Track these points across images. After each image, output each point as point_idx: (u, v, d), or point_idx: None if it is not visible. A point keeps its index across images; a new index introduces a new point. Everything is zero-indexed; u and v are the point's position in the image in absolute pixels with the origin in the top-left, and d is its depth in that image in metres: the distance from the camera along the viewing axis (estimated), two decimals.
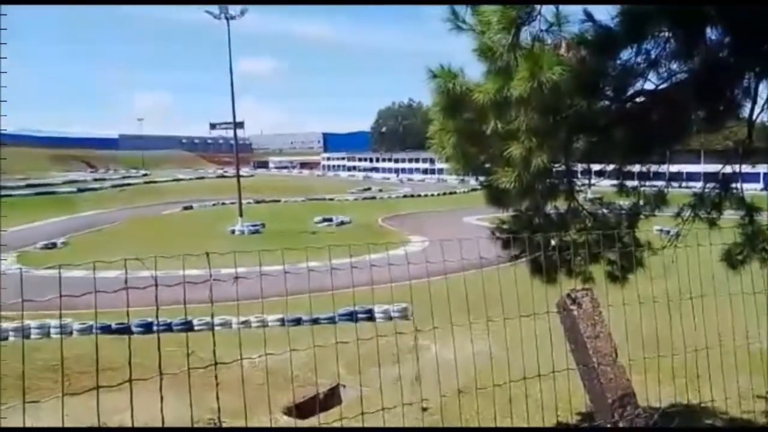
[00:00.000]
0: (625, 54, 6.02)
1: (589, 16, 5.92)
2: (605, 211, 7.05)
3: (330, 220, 55.05)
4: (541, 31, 5.35)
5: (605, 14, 5.87)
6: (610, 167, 6.95)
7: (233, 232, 50.57)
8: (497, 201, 6.41)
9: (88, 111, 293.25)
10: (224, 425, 4.29)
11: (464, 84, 5.54)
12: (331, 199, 79.09)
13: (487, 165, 6.10)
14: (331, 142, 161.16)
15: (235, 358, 3.84)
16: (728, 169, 6.93)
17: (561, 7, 5.29)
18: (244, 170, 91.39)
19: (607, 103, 6.39)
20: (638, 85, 6.27)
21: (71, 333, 19.70)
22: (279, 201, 76.71)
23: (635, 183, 7.10)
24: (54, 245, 43.39)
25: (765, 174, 45.24)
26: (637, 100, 6.42)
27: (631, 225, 6.80)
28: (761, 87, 6.23)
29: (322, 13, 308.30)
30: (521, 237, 6.28)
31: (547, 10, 5.28)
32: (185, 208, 70.66)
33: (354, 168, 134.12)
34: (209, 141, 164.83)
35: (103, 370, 3.16)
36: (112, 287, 3.24)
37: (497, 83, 5.26)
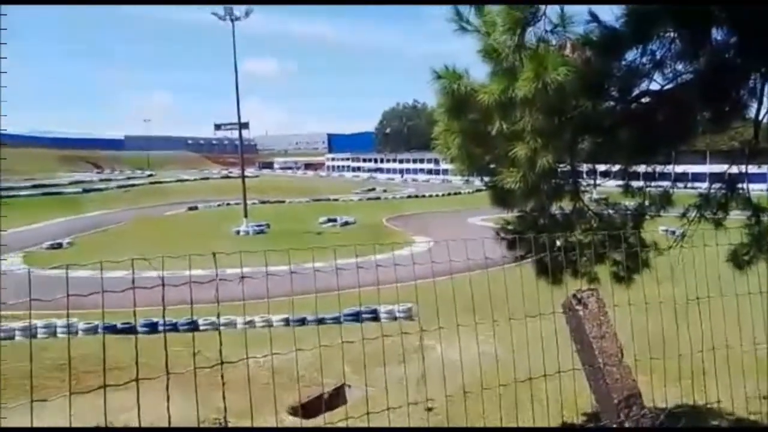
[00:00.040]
0: (631, 55, 6.02)
1: (594, 17, 5.92)
2: (611, 211, 7.03)
3: (334, 220, 55.08)
4: (546, 31, 5.35)
5: (610, 15, 5.87)
6: (616, 168, 6.94)
7: (238, 232, 50.66)
8: (502, 201, 6.41)
9: (94, 112, 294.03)
10: (230, 425, 4.31)
11: (469, 85, 5.54)
12: (336, 200, 79.15)
13: (492, 166, 6.10)
14: (336, 142, 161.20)
15: (240, 358, 3.85)
16: (734, 169, 6.92)
17: (566, 7, 5.29)
18: (249, 171, 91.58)
19: (612, 103, 6.38)
20: (643, 86, 6.26)
21: (77, 333, 19.78)
22: (283, 202, 76.79)
23: (641, 183, 7.08)
24: (60, 245, 43.54)
25: None
26: (643, 100, 6.41)
27: (636, 225, 6.78)
28: (767, 87, 6.21)
29: (326, 13, 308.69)
30: (526, 237, 6.27)
31: (552, 11, 5.28)
32: (190, 209, 70.84)
33: (358, 169, 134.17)
34: (214, 142, 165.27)
35: (110, 370, 3.17)
36: (118, 287, 3.25)
37: (502, 84, 5.27)
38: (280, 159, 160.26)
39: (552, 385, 4.36)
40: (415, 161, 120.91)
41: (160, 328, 17.22)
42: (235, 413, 3.86)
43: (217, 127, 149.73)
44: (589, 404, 4.65)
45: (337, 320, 16.21)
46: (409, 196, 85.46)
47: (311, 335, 4.84)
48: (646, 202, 7.00)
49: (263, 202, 71.29)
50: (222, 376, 3.33)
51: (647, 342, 4.61)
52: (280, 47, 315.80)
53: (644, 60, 6.01)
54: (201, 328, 18.64)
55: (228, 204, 70.19)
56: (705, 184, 7.32)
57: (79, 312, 17.71)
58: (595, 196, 7.26)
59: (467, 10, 5.69)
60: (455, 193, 75.62)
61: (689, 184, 7.99)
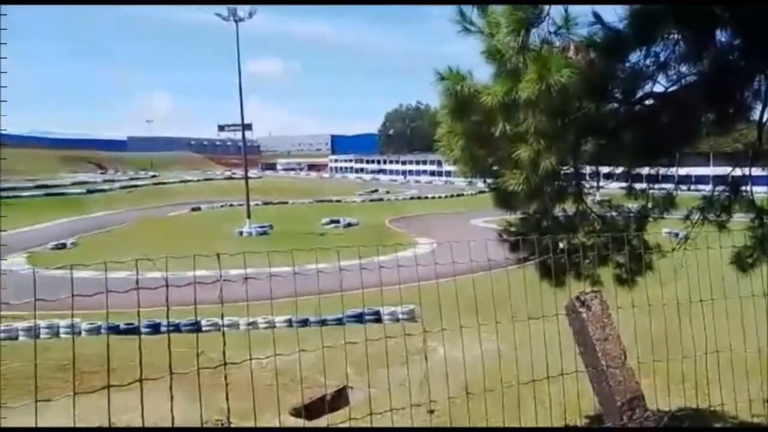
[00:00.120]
0: (634, 56, 6.01)
1: (598, 18, 5.91)
2: (614, 213, 7.02)
3: (337, 221, 55.12)
4: (550, 33, 5.35)
5: (614, 16, 5.86)
6: (619, 170, 6.93)
7: (241, 233, 50.72)
8: (505, 203, 6.40)
9: (95, 112, 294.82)
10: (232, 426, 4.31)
11: (472, 86, 5.53)
12: (339, 201, 79.21)
13: (495, 167, 6.10)
14: (339, 144, 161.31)
15: (243, 359, 3.85)
16: (738, 171, 6.90)
17: (569, 9, 5.29)
18: (252, 172, 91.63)
19: (615, 105, 6.38)
20: (647, 88, 6.25)
21: (80, 333, 19.82)
22: (287, 203, 76.88)
23: (644, 185, 7.07)
24: (64, 246, 43.65)
25: None
26: (646, 102, 6.40)
27: (639, 228, 6.77)
28: None
29: (329, 14, 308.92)
30: (529, 239, 6.27)
31: (556, 13, 5.28)
32: (193, 210, 70.97)
33: (361, 170, 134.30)
34: (217, 143, 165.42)
35: (113, 370, 3.18)
36: (122, 287, 3.26)
37: (505, 85, 5.26)
38: (283, 160, 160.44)
39: (555, 387, 4.36)
40: (417, 163, 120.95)
41: (163, 328, 17.20)
42: (237, 414, 3.85)
43: (221, 128, 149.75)
44: (592, 407, 4.65)
45: (339, 321, 16.20)
46: (412, 198, 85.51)
47: (313, 336, 4.84)
48: (650, 205, 6.99)
49: (266, 204, 71.35)
50: (225, 377, 3.33)
51: (650, 344, 4.60)
52: (283, 48, 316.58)
53: (648, 62, 6.00)
54: (204, 329, 18.66)
55: (231, 205, 70.31)
56: (708, 187, 7.31)
57: (82, 312, 17.74)
58: (598, 198, 7.25)
59: (470, 11, 5.69)
60: (458, 195, 75.64)
61: (693, 187, 7.99)
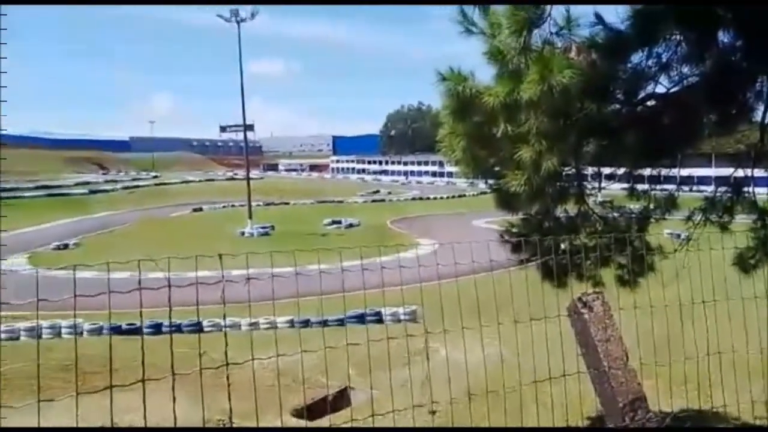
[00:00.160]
0: (636, 57, 6.01)
1: (600, 19, 5.91)
2: (615, 214, 7.02)
3: (339, 222, 55.13)
4: (551, 34, 5.35)
5: (615, 16, 5.86)
6: (621, 171, 6.92)
7: (243, 234, 50.73)
8: (507, 204, 6.40)
9: (97, 113, 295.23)
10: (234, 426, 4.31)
11: (474, 87, 5.53)
12: (340, 202, 79.22)
13: (497, 168, 6.10)
14: (341, 145, 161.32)
15: (245, 359, 3.85)
16: (740, 172, 6.89)
17: (571, 9, 5.28)
18: (254, 173, 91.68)
19: (617, 106, 6.37)
20: (649, 89, 6.25)
21: (82, 333, 19.84)
22: (288, 203, 76.90)
23: (646, 186, 7.07)
24: (66, 246, 43.69)
25: None
26: (648, 103, 6.39)
27: (641, 228, 6.77)
28: None
29: (330, 15, 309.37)
30: (531, 240, 6.26)
31: (558, 14, 5.28)
32: (195, 210, 71.01)
33: (363, 171, 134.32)
34: (219, 143, 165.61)
35: (115, 370, 3.18)
36: (124, 288, 3.26)
37: (507, 86, 5.26)
38: (284, 161, 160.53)
39: (557, 388, 4.35)
40: (419, 163, 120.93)
41: (164, 329, 17.26)
42: (238, 415, 3.86)
43: (223, 128, 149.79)
44: (594, 408, 4.64)
45: (341, 322, 16.24)
46: (414, 199, 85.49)
47: (315, 337, 4.84)
48: (651, 206, 6.98)
49: (268, 204, 71.38)
50: (228, 378, 3.33)
51: (653, 346, 4.59)
52: (285, 49, 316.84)
53: (650, 63, 6.00)
54: (205, 329, 18.65)
55: (233, 206, 70.34)
56: (711, 188, 7.30)
57: (84, 312, 17.77)
58: (599, 199, 7.25)
59: (471, 11, 5.69)
60: (460, 196, 75.57)
61: (695, 188, 7.98)
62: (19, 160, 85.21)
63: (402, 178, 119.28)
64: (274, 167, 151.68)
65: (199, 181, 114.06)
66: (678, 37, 5.84)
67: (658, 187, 7.06)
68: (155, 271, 3.30)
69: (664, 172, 6.92)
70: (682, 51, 5.88)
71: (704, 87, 6.01)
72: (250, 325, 15.76)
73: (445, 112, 5.93)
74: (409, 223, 55.84)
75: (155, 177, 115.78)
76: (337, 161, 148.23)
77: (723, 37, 5.88)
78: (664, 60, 5.97)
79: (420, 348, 5.07)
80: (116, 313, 3.37)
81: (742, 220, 6.93)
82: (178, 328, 18.59)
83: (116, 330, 16.89)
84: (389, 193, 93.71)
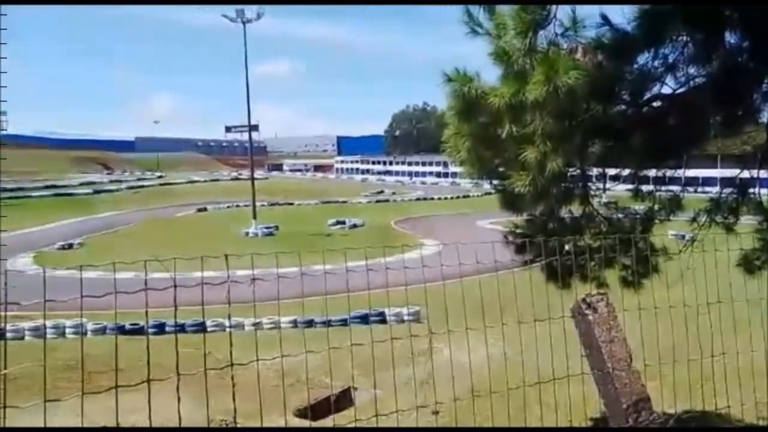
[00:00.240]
0: (643, 58, 6.00)
1: (606, 20, 5.90)
2: (620, 215, 7.01)
3: (343, 222, 55.14)
4: (557, 35, 5.34)
5: (621, 17, 5.85)
6: (626, 172, 6.91)
7: (247, 234, 50.79)
8: (511, 205, 6.39)
9: (101, 113, 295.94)
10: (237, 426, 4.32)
11: (479, 87, 5.53)
12: (345, 202, 79.25)
13: (502, 169, 6.10)
14: (345, 145, 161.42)
15: (249, 360, 3.86)
16: (746, 173, 6.87)
17: (577, 10, 5.28)
18: (259, 173, 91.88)
19: (623, 107, 6.36)
20: (655, 90, 6.24)
21: (86, 333, 19.90)
22: (292, 204, 76.97)
23: (651, 187, 7.05)
24: (71, 246, 43.81)
25: None
26: (654, 104, 6.38)
27: (646, 230, 6.75)
28: None
29: (335, 15, 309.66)
30: (535, 241, 6.26)
31: (563, 15, 5.27)
32: (199, 210, 71.15)
33: (368, 171, 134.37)
34: (224, 144, 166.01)
35: (120, 370, 3.19)
36: (128, 287, 3.27)
37: (513, 87, 5.26)
38: (289, 161, 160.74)
39: (561, 389, 4.35)
40: (424, 164, 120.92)
41: (168, 329, 17.29)
42: (241, 415, 3.86)
43: (228, 129, 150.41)
44: (598, 409, 4.63)
45: (344, 322, 16.20)
46: (418, 199, 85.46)
47: (318, 337, 4.85)
48: (656, 207, 6.97)
49: (272, 204, 71.43)
50: (232, 378, 3.34)
51: (657, 347, 4.58)
52: (290, 49, 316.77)
53: (656, 63, 5.99)
54: (209, 329, 18.70)
55: (237, 206, 70.42)
56: (716, 189, 7.28)
57: (88, 312, 17.82)
58: (604, 200, 7.24)
59: (477, 11, 5.69)
60: (464, 196, 75.57)
61: (700, 189, 7.96)
62: (24, 160, 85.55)
63: (406, 179, 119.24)
64: (278, 167, 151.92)
65: (204, 181, 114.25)
66: (685, 37, 5.83)
67: (663, 188, 7.05)
68: (160, 271, 3.31)
69: (669, 173, 6.90)
70: (688, 52, 5.87)
71: (711, 88, 5.99)
72: (254, 325, 15.77)
73: (451, 113, 5.93)
74: (413, 223, 55.82)
75: (160, 177, 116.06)
76: (342, 161, 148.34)
77: (730, 37, 5.87)
78: (670, 61, 5.96)
79: (423, 348, 5.07)
80: (120, 313, 3.38)
81: (747, 222, 6.91)
82: (181, 328, 18.62)
83: (120, 330, 16.97)
84: (393, 193, 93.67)
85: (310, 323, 18.88)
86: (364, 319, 18.09)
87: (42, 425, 2.96)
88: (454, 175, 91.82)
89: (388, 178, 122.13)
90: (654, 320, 4.70)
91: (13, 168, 78.30)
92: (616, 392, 4.06)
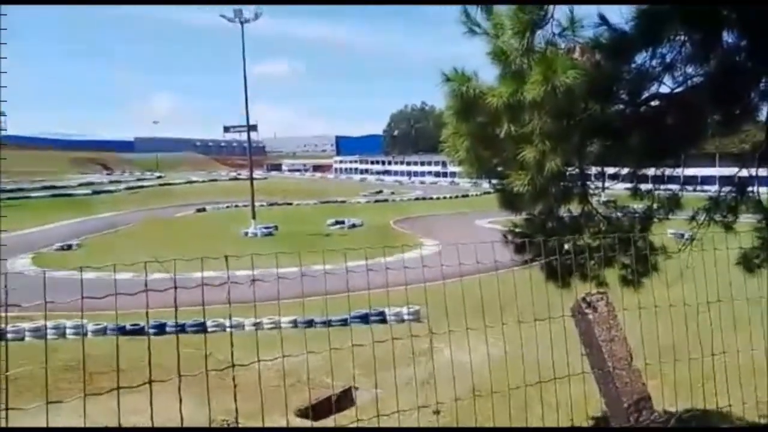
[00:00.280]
0: (640, 57, 6.01)
1: (604, 20, 5.91)
2: (619, 214, 7.02)
3: (342, 222, 55.12)
4: (554, 35, 5.35)
5: (619, 17, 5.86)
6: (625, 170, 6.92)
7: (246, 234, 50.75)
8: (510, 204, 6.40)
9: (103, 113, 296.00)
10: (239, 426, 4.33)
11: (478, 87, 5.54)
12: (343, 202, 79.22)
13: (501, 168, 6.10)
14: (344, 145, 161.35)
15: (250, 360, 3.87)
16: (744, 172, 6.88)
17: (575, 10, 5.29)
18: (258, 173, 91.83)
19: (621, 106, 6.37)
20: (653, 89, 6.25)
21: (86, 334, 19.89)
22: (291, 204, 76.92)
23: (649, 186, 7.06)
24: (70, 247, 43.75)
25: None
26: (652, 103, 6.39)
27: (644, 228, 6.76)
28: None
29: (334, 15, 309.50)
30: (535, 241, 6.26)
31: (561, 15, 5.28)
32: (199, 210, 71.09)
33: (366, 171, 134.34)
34: (223, 144, 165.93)
35: (121, 371, 3.20)
36: (127, 288, 3.27)
37: (511, 87, 5.27)
38: (288, 161, 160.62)
39: (561, 388, 4.35)
40: (422, 163, 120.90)
41: (168, 329, 17.29)
42: (242, 415, 3.87)
43: (226, 129, 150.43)
44: (599, 408, 4.64)
45: (344, 322, 16.21)
46: (417, 199, 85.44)
47: (318, 337, 4.86)
48: (655, 205, 6.98)
49: (271, 204, 71.38)
50: (233, 379, 3.35)
51: (657, 345, 4.59)
52: (288, 49, 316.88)
53: (654, 63, 6.00)
54: (209, 329, 18.70)
55: (236, 206, 70.37)
56: (715, 187, 7.29)
57: (88, 313, 17.80)
58: (603, 199, 7.24)
59: (474, 11, 5.70)
60: (463, 196, 75.53)
61: (698, 187, 7.97)
62: (23, 161, 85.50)
63: (405, 179, 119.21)
64: (277, 167, 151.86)
65: (203, 181, 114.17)
66: (682, 37, 5.84)
67: (662, 186, 7.05)
68: (159, 271, 3.31)
69: (667, 171, 6.91)
70: (686, 51, 5.88)
71: (708, 87, 6.00)
72: (254, 325, 15.78)
73: (449, 113, 5.93)
74: (412, 223, 55.82)
75: (159, 177, 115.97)
76: (341, 161, 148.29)
77: (727, 37, 5.88)
78: (668, 60, 5.97)
79: (424, 348, 5.08)
80: (120, 314, 3.39)
81: (746, 220, 6.92)
82: (182, 328, 18.61)
83: (120, 330, 16.95)
84: (392, 193, 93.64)
85: (310, 323, 18.88)
86: (365, 319, 18.11)
87: (42, 426, 2.97)
88: (453, 174, 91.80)
89: (387, 178, 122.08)
90: (654, 319, 4.71)
91: (13, 168, 78.27)
92: (616, 391, 4.07)
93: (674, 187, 7.10)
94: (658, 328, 4.71)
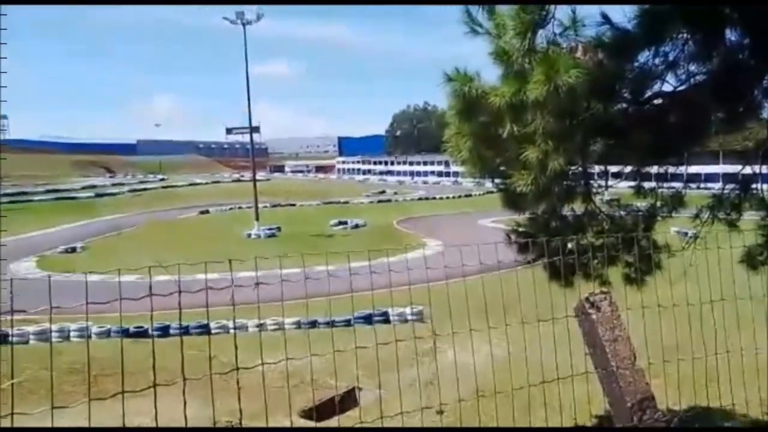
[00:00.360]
0: (643, 56, 6.00)
1: (606, 19, 5.91)
2: (622, 213, 7.01)
3: (345, 223, 55.18)
4: (556, 34, 5.35)
5: (622, 16, 5.85)
6: (628, 169, 6.91)
7: (250, 235, 50.85)
8: (513, 204, 6.40)
9: (105, 116, 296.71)
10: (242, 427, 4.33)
11: (480, 87, 5.54)
12: (346, 203, 79.28)
13: (503, 168, 6.11)
14: (346, 145, 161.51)
15: (253, 362, 3.87)
16: (748, 169, 6.87)
17: (577, 10, 5.29)
18: (260, 174, 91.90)
19: (624, 105, 6.36)
20: (656, 88, 6.24)
21: (90, 336, 19.94)
22: (294, 205, 77.02)
23: (653, 184, 7.05)
24: (74, 249, 43.90)
25: None
26: (655, 102, 6.38)
27: (648, 227, 6.75)
28: None
29: (336, 15, 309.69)
30: (538, 240, 6.26)
31: (563, 14, 5.28)
32: (202, 213, 71.20)
33: (369, 171, 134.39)
34: (225, 146, 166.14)
35: (126, 373, 3.21)
36: (132, 291, 3.28)
37: (513, 86, 5.27)
38: (291, 162, 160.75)
39: (565, 388, 4.35)
40: (425, 163, 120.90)
41: (172, 331, 17.34)
42: (247, 416, 3.88)
43: (229, 131, 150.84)
44: (602, 408, 4.63)
45: (348, 323, 16.24)
46: (420, 199, 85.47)
47: (322, 338, 4.86)
48: (659, 204, 6.96)
49: (274, 206, 71.46)
50: (237, 381, 3.35)
51: (660, 345, 4.58)
52: (290, 50, 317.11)
53: (657, 61, 5.99)
54: (213, 331, 18.72)
55: (239, 207, 70.52)
56: (718, 185, 7.28)
57: (93, 316, 17.86)
58: (606, 197, 7.23)
59: (476, 11, 5.70)
60: (466, 195, 75.52)
61: (702, 185, 7.95)
62: (27, 165, 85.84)
63: (408, 179, 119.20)
64: (280, 169, 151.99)
65: (206, 183, 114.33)
66: (685, 35, 5.83)
67: (665, 185, 7.04)
68: (164, 274, 3.32)
69: (671, 169, 6.90)
70: (689, 49, 5.87)
71: (711, 85, 5.99)
72: (258, 326, 15.79)
73: (452, 113, 5.94)
74: (415, 222, 55.83)
75: (162, 180, 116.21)
76: (343, 162, 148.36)
77: (730, 35, 5.87)
78: (671, 59, 5.96)
79: (427, 349, 5.08)
80: (124, 316, 3.40)
81: (750, 218, 6.91)
82: (186, 330, 18.68)
83: (124, 333, 17.01)
84: (395, 193, 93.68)
85: (313, 324, 18.86)
86: (368, 320, 18.17)
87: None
88: (456, 174, 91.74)
89: (390, 178, 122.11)
90: (657, 318, 4.70)
91: (15, 172, 78.58)
92: (620, 391, 4.06)
93: (678, 185, 7.08)
94: (662, 327, 4.70)
